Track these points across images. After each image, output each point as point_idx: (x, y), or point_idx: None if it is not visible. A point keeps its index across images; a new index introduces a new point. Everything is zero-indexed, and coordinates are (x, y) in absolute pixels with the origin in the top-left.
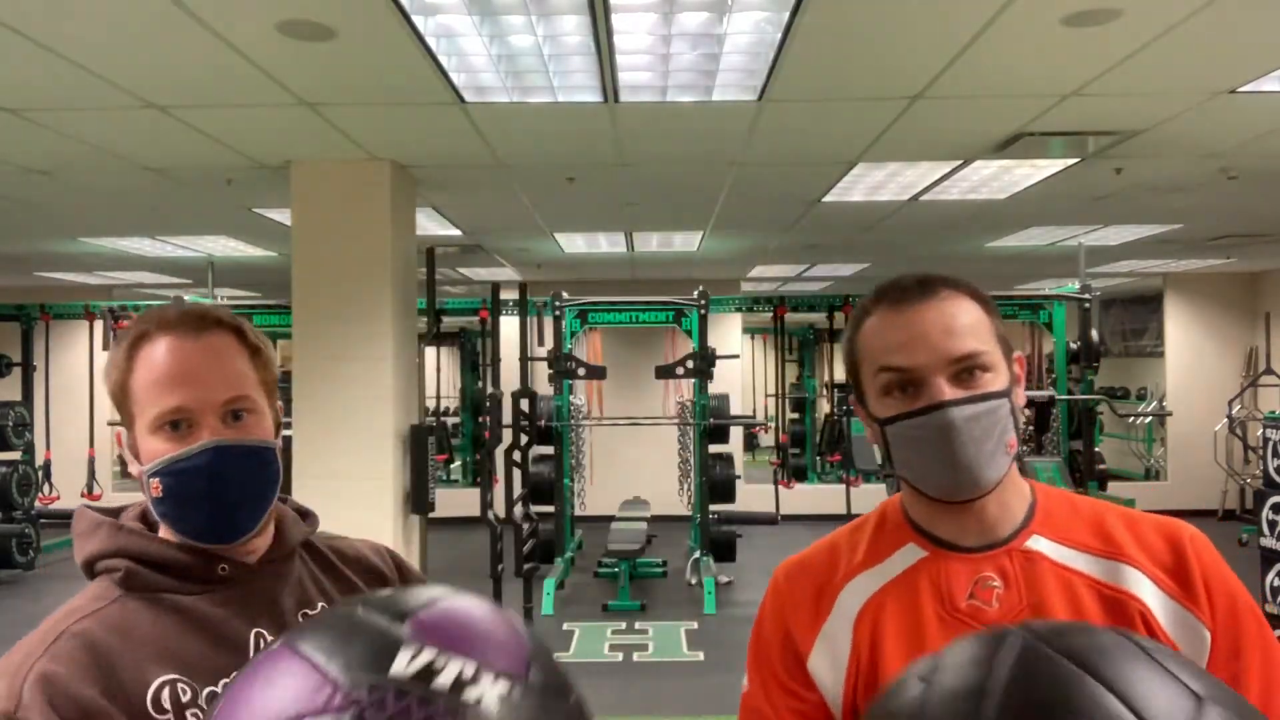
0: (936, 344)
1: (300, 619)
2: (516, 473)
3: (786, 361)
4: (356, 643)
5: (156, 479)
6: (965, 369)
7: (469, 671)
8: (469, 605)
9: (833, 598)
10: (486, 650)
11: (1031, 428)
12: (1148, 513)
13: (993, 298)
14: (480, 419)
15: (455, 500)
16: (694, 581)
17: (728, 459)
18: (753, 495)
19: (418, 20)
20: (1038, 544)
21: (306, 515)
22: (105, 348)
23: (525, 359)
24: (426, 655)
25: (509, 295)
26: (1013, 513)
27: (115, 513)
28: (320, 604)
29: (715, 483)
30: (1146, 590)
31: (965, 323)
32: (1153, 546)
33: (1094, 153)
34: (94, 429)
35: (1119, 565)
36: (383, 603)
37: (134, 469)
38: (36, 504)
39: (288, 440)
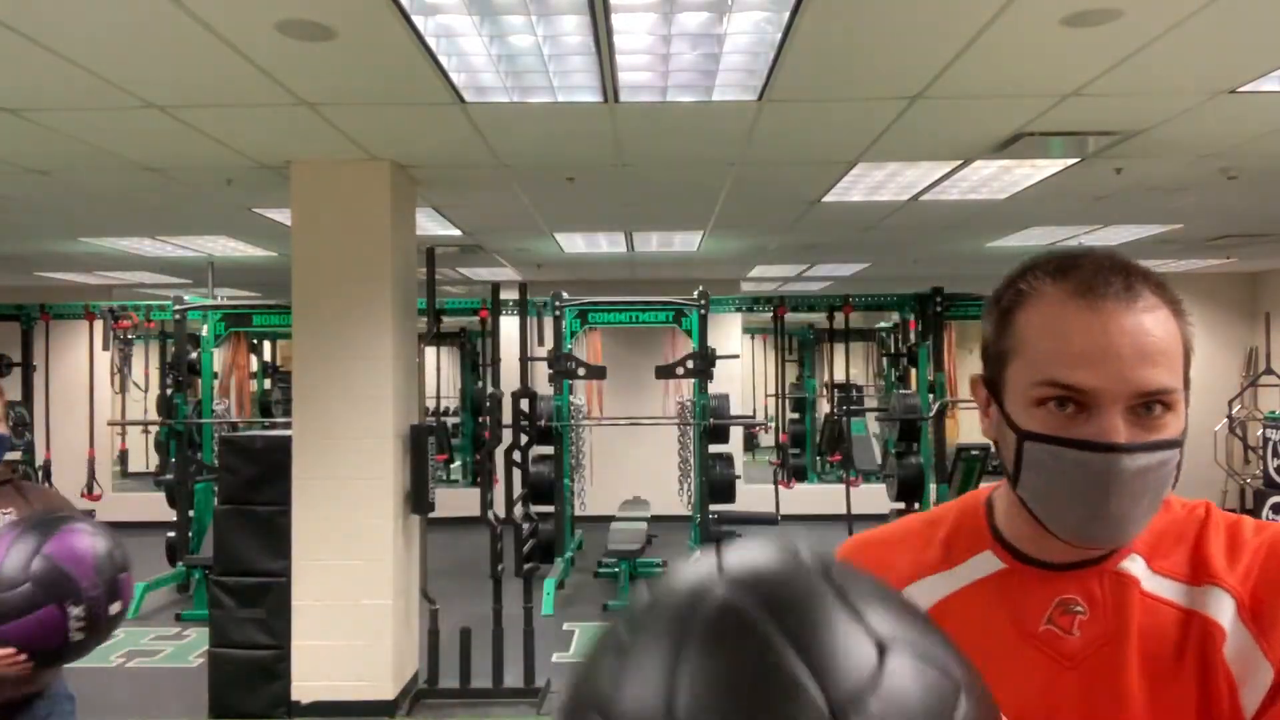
0: (1128, 369)
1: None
2: (516, 473)
3: (786, 361)
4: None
5: None
6: (1147, 404)
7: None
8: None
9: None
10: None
11: None
12: (1268, 523)
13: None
14: (480, 419)
15: (455, 500)
16: None
17: (728, 459)
18: (753, 495)
19: (418, 20)
20: (1133, 566)
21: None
22: (105, 348)
23: (525, 359)
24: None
25: (509, 295)
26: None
27: None
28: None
29: (715, 483)
30: (1227, 614)
31: (1163, 347)
32: (1248, 565)
33: (1094, 153)
34: (94, 429)
35: (1207, 589)
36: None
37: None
38: None
39: (287, 440)
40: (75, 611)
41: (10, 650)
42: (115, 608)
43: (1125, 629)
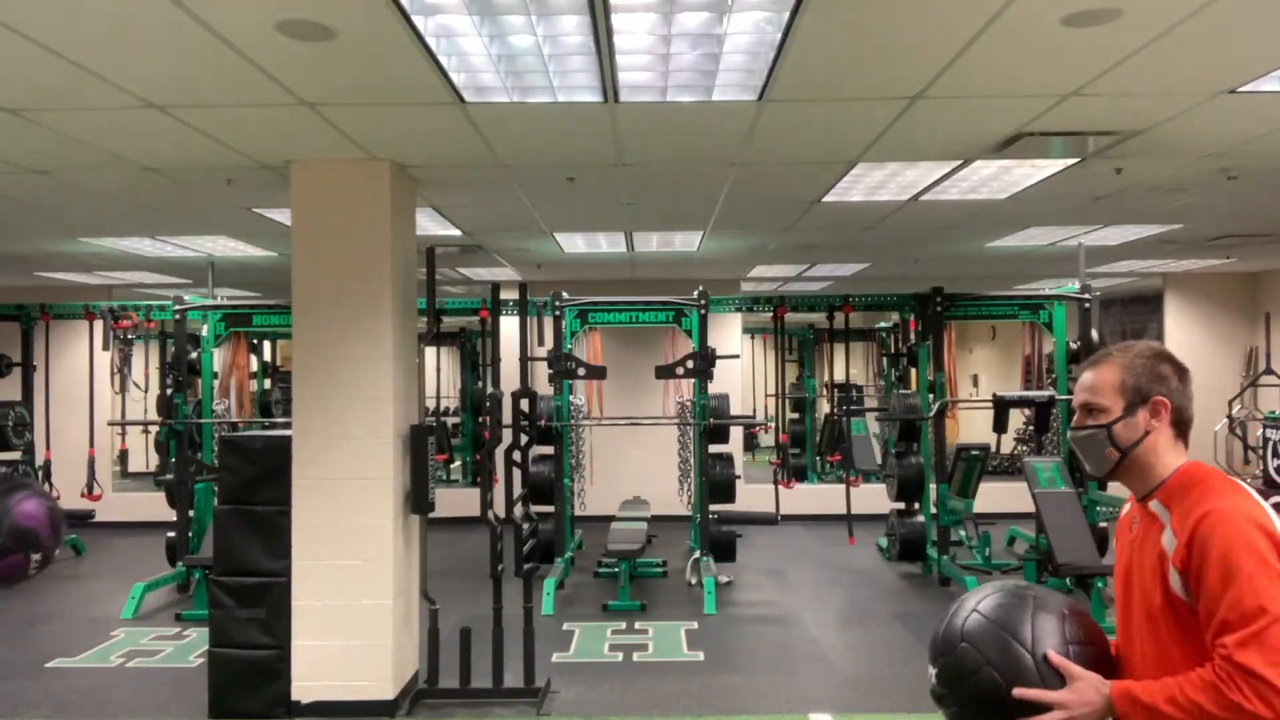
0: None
1: None
2: (516, 473)
3: (786, 361)
4: None
5: None
6: (1083, 408)
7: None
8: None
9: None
10: None
11: (1032, 428)
12: (1223, 494)
13: (992, 298)
14: (480, 419)
15: (455, 500)
16: (694, 581)
17: (728, 459)
18: (753, 495)
19: (418, 20)
20: (1152, 503)
21: None
22: (105, 348)
23: (525, 359)
24: None
25: (509, 295)
26: (1147, 485)
27: None
28: None
29: (715, 483)
30: (1170, 540)
31: (1093, 383)
32: (1189, 527)
33: (1094, 153)
34: (94, 429)
35: (1168, 529)
36: None
37: None
38: None
39: (287, 440)
40: (35, 557)
41: None
42: (57, 552)
43: (1146, 528)
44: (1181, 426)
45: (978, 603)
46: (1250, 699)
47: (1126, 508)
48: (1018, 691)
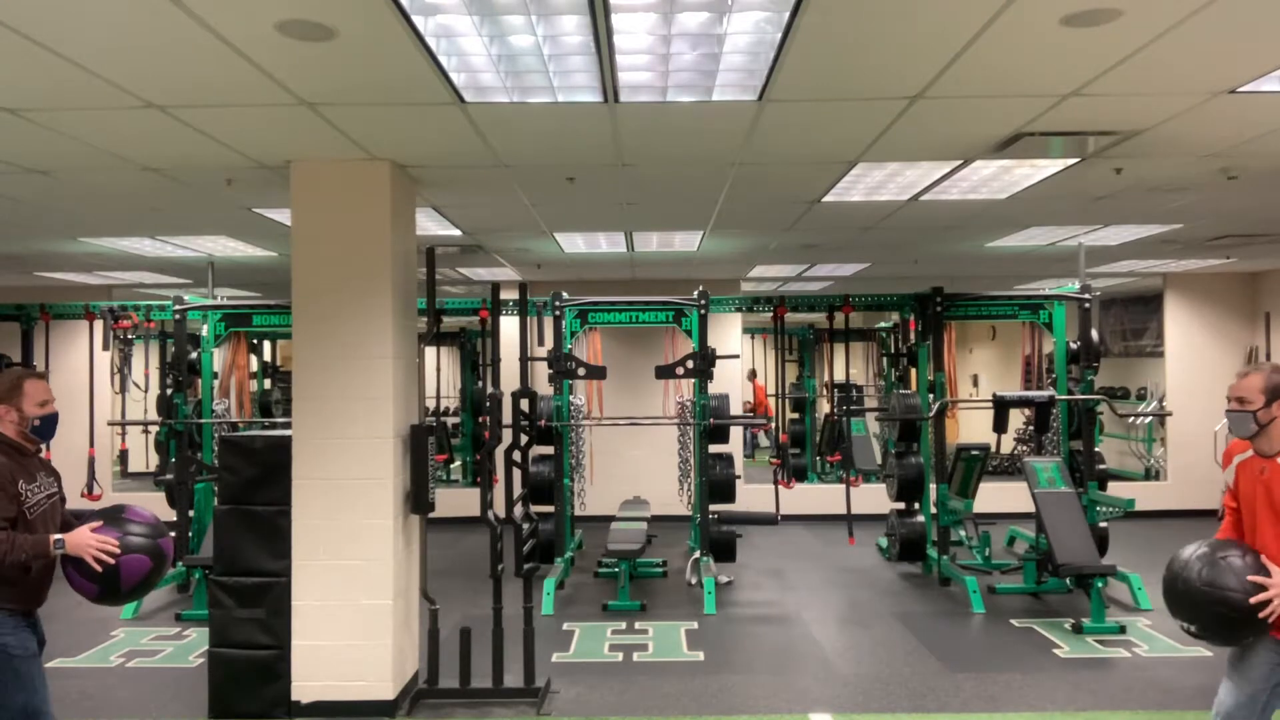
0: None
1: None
2: (516, 473)
3: (786, 361)
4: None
5: None
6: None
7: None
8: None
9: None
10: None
11: (1032, 428)
12: None
13: (992, 298)
14: (480, 419)
15: (455, 500)
16: (694, 581)
17: (728, 459)
18: (753, 495)
19: (418, 20)
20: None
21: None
22: (105, 348)
23: (525, 359)
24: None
25: (509, 295)
26: (1275, 447)
27: None
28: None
29: (715, 483)
30: None
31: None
32: None
33: (1094, 153)
34: (94, 429)
35: None
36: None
37: None
38: None
39: (287, 440)
40: (160, 571)
41: (113, 543)
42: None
43: (1273, 476)
44: None
45: (1195, 572)
46: None
47: (1247, 454)
48: (1255, 598)
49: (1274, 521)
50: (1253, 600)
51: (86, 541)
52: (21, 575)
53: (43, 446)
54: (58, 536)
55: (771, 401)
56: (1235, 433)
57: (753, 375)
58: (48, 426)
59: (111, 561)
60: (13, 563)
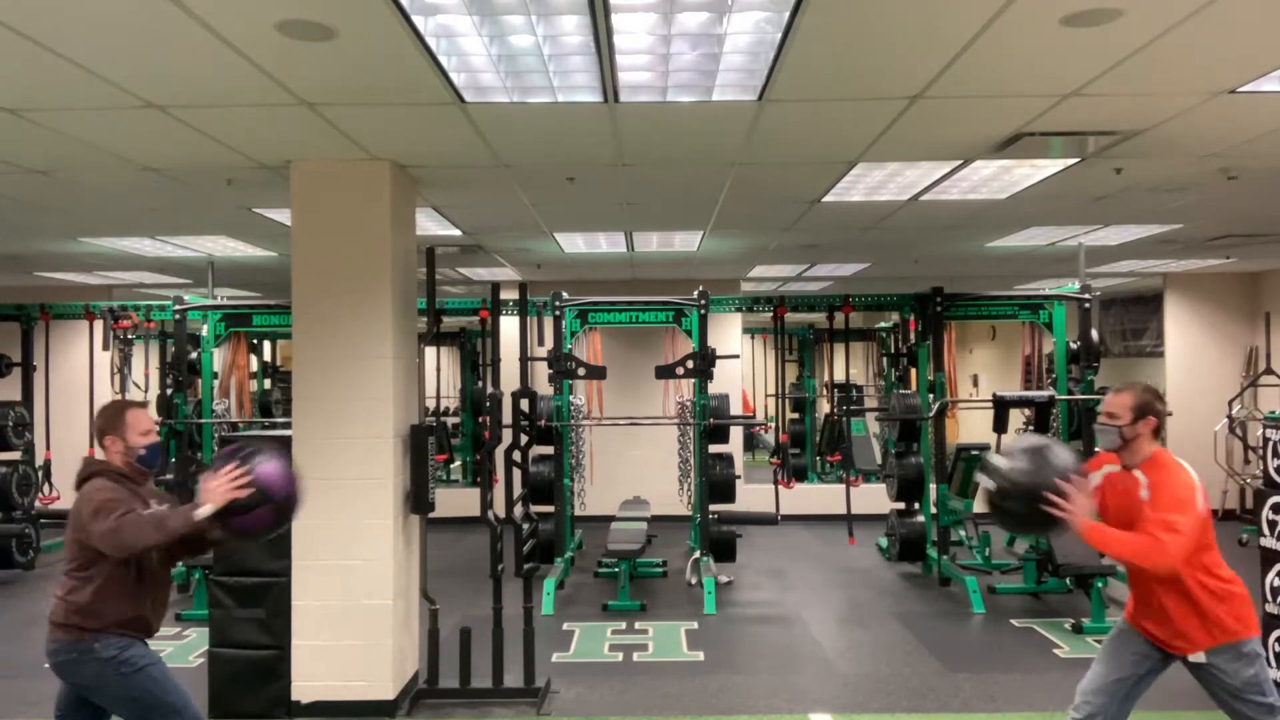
0: None
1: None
2: (516, 473)
3: (786, 361)
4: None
5: None
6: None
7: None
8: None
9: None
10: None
11: (1032, 428)
12: (1174, 473)
13: (992, 298)
14: (480, 419)
15: (455, 500)
16: (694, 581)
17: (728, 459)
18: (753, 495)
19: (418, 20)
20: (1136, 473)
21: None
22: (105, 348)
23: (525, 359)
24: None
25: (509, 295)
26: (1136, 460)
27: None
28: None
29: (715, 483)
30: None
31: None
32: (1154, 479)
33: (1094, 153)
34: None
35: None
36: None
37: None
38: (36, 504)
39: (287, 440)
40: (289, 464)
41: (243, 472)
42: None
43: (1129, 480)
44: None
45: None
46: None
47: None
48: (1059, 483)
49: (1128, 525)
50: (1054, 491)
51: (216, 485)
52: (163, 572)
53: (150, 476)
54: (194, 504)
55: (771, 402)
56: (1103, 445)
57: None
58: (153, 455)
59: (249, 484)
60: (168, 539)
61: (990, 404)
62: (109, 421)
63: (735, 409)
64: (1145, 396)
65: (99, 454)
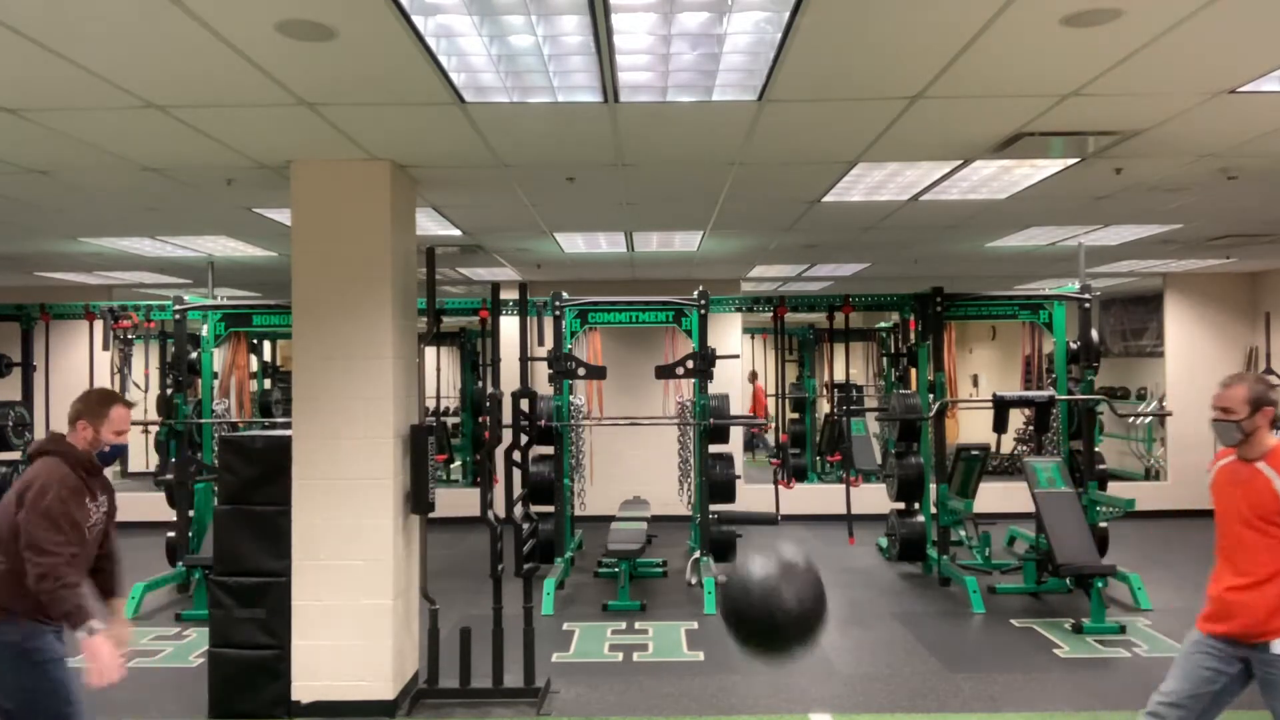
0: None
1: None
2: (516, 473)
3: (786, 361)
4: None
5: None
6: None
7: None
8: None
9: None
10: None
11: (1032, 428)
12: None
13: (992, 298)
14: (480, 419)
15: (455, 500)
16: (694, 581)
17: (728, 459)
18: (753, 495)
19: (418, 20)
20: (1261, 465)
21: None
22: (105, 348)
23: (525, 359)
24: None
25: (509, 295)
26: (1256, 453)
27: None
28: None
29: (715, 483)
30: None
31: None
32: None
33: (1094, 153)
34: None
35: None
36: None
37: None
38: None
39: (287, 440)
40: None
41: (115, 678)
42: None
43: (1254, 471)
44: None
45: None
46: None
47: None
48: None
49: (1246, 524)
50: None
51: (105, 658)
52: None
53: (102, 472)
54: (95, 622)
55: (771, 402)
56: (1223, 442)
57: (754, 377)
58: (113, 454)
59: (99, 685)
60: (56, 604)
61: (990, 404)
62: (90, 408)
63: (744, 409)
64: (1258, 387)
65: (67, 433)
